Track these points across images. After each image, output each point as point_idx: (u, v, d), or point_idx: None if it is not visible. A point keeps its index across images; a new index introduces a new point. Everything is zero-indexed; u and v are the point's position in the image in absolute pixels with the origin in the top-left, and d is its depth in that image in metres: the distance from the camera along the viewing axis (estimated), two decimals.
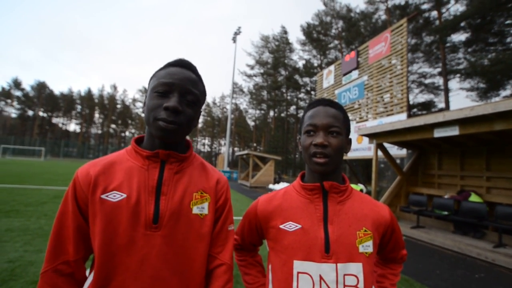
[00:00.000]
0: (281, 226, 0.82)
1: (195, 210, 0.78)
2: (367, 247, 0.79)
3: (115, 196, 0.71)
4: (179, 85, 0.74)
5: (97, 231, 0.69)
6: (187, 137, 0.87)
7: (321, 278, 0.74)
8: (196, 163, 0.86)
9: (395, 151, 9.29)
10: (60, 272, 0.70)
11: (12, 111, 57.78)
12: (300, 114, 43.75)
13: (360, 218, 0.81)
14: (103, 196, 0.71)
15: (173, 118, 0.72)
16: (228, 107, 35.97)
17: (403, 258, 0.96)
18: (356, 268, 0.76)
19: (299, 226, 0.80)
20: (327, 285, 0.74)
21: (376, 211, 0.85)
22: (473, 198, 5.65)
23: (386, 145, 7.21)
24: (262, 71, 44.64)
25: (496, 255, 4.30)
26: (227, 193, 0.89)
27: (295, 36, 50.63)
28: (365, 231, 0.80)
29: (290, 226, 0.81)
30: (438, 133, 5.07)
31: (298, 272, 0.76)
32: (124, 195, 0.72)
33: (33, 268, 2.86)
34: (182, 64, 0.80)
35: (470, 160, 6.43)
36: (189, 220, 0.76)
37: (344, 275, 0.75)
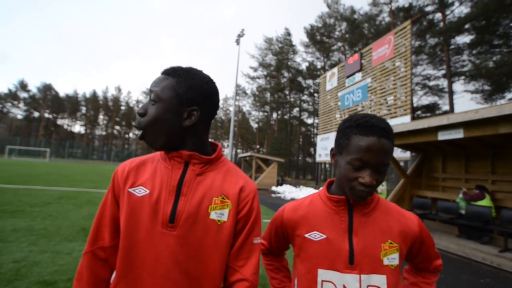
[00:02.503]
0: (306, 235, 0.84)
1: (213, 215, 0.75)
2: (392, 259, 0.79)
3: (140, 191, 0.76)
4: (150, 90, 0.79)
5: (122, 221, 0.75)
6: (212, 140, 0.89)
7: (344, 287, 0.76)
8: (224, 167, 0.83)
9: (399, 153, 9.24)
10: (97, 255, 0.78)
11: (18, 113, 58.55)
12: (303, 116, 43.73)
13: (386, 230, 0.81)
14: (130, 190, 0.76)
15: (136, 124, 0.77)
16: (232, 109, 36.05)
17: (438, 269, 0.92)
18: (380, 279, 0.76)
19: (324, 236, 0.81)
20: None
21: (403, 223, 0.84)
22: (486, 202, 5.52)
23: None
24: (265, 73, 44.71)
25: (502, 260, 4.25)
26: (253, 203, 0.81)
27: (299, 38, 50.81)
28: (391, 243, 0.80)
29: (315, 235, 0.82)
30: (442, 136, 5.04)
31: (323, 280, 0.78)
32: (148, 191, 0.75)
33: (38, 268, 2.89)
34: (164, 72, 0.81)
35: (475, 163, 6.37)
36: (206, 225, 0.74)
37: (368, 286, 0.76)
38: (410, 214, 0.87)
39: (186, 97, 0.76)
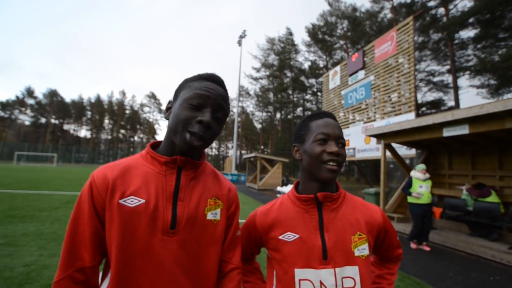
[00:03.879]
0: (280, 237, 0.86)
1: (209, 216, 0.80)
2: (362, 250, 0.84)
3: (132, 202, 0.71)
4: (214, 101, 0.76)
5: (114, 236, 0.69)
6: None
7: (321, 283, 0.79)
8: (208, 170, 0.88)
9: (404, 151, 9.15)
10: (75, 279, 0.68)
11: (26, 119, 59.53)
12: None
13: (354, 223, 0.86)
14: (121, 201, 0.70)
15: (204, 133, 0.74)
16: (235, 110, 36.13)
17: (399, 257, 1.00)
18: (353, 270, 0.81)
19: (297, 236, 0.84)
20: None
21: (368, 214, 0.89)
22: (493, 198, 5.46)
23: (394, 145, 7.13)
24: (268, 73, 44.69)
25: (511, 257, 4.18)
26: (237, 201, 0.92)
27: (301, 37, 50.70)
28: (360, 235, 0.85)
29: (288, 236, 0.85)
30: (447, 132, 4.99)
31: (300, 279, 0.80)
32: (143, 201, 0.72)
33: (48, 272, 2.94)
34: (217, 80, 0.82)
35: (482, 159, 6.28)
36: (204, 225, 0.78)
37: (342, 278, 0.80)
38: (374, 206, 0.94)
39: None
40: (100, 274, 0.76)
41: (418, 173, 5.06)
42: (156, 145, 0.85)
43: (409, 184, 5.07)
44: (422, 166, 5.11)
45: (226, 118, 0.84)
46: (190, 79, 0.82)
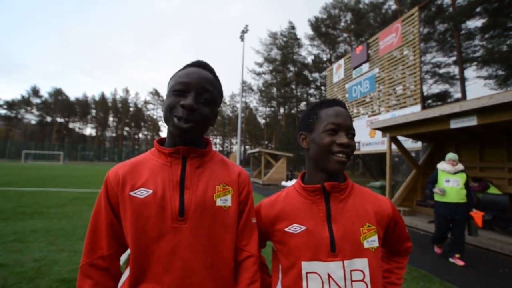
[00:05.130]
0: (286, 229, 0.83)
1: (219, 202, 0.80)
2: (372, 242, 0.81)
3: (142, 193, 0.76)
4: (196, 84, 0.78)
5: (129, 226, 0.74)
6: (205, 135, 0.91)
7: (329, 276, 0.76)
8: (217, 158, 0.89)
9: (409, 144, 9.05)
10: (96, 266, 0.76)
11: (32, 118, 60.23)
12: None
13: (363, 214, 0.83)
14: (131, 193, 0.76)
15: (189, 116, 0.75)
16: (238, 105, 36.06)
17: (408, 250, 0.97)
18: (362, 263, 0.78)
19: (304, 227, 0.81)
20: (335, 282, 0.76)
21: (377, 205, 0.86)
22: (492, 190, 5.43)
23: (400, 138, 7.04)
24: (271, 68, 44.35)
25: None
26: (249, 186, 0.91)
27: (303, 31, 50.15)
28: (369, 226, 0.82)
29: (295, 228, 0.82)
30: (454, 124, 4.91)
31: (307, 272, 0.78)
32: (151, 191, 0.76)
33: (57, 267, 2.99)
34: (199, 64, 0.84)
35: (490, 151, 6.18)
36: (214, 212, 0.79)
37: (351, 271, 0.77)
38: (383, 197, 0.91)
39: (220, 99, 0.88)
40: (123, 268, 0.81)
41: (445, 165, 4.18)
42: (163, 141, 0.89)
43: (434, 177, 4.24)
44: (452, 155, 4.16)
45: (216, 101, 0.84)
46: (178, 70, 0.85)
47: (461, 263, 3.81)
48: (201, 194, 0.79)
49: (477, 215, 4.36)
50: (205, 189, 0.80)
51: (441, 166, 4.24)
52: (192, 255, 0.74)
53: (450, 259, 3.96)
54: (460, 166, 4.11)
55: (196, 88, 0.78)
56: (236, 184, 0.86)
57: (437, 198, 4.12)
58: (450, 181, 4.01)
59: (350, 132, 0.81)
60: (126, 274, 0.76)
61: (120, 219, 0.78)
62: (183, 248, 0.74)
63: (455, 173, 4.05)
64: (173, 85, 0.79)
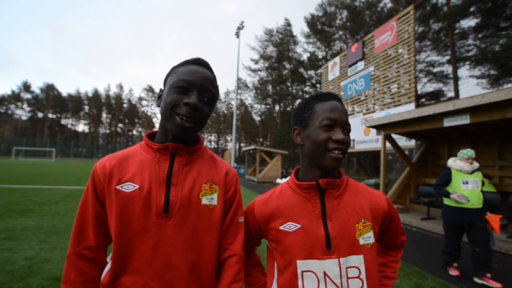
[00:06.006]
0: (281, 228, 0.82)
1: (204, 200, 0.81)
2: (367, 238, 0.80)
3: (128, 187, 0.76)
4: (199, 83, 0.78)
5: (113, 219, 0.75)
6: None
7: (325, 274, 0.75)
8: (206, 156, 0.89)
9: (403, 142, 9.15)
10: (83, 256, 0.77)
11: (23, 114, 59.06)
12: None
13: (358, 211, 0.82)
14: (118, 187, 0.76)
15: (192, 115, 0.76)
16: (233, 102, 35.94)
17: (403, 244, 0.97)
18: (357, 260, 0.77)
19: (299, 225, 0.80)
20: (331, 280, 0.75)
21: (373, 201, 0.86)
22: (487, 188, 5.48)
23: (394, 136, 7.11)
24: (266, 65, 44.24)
25: (510, 246, 4.23)
26: (237, 185, 0.91)
27: (299, 28, 50.01)
28: (364, 222, 0.81)
29: (290, 226, 0.81)
30: (448, 122, 4.96)
31: (302, 271, 0.77)
32: (137, 186, 0.76)
33: (49, 265, 2.94)
34: (201, 63, 0.83)
35: (482, 149, 6.28)
36: (199, 210, 0.79)
37: (347, 268, 0.76)
38: (378, 192, 0.90)
39: (217, 99, 0.88)
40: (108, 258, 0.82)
41: (461, 162, 3.39)
42: (153, 135, 0.88)
43: (446, 178, 3.39)
44: (468, 152, 3.41)
45: (215, 100, 0.85)
46: (176, 65, 0.84)
47: (497, 284, 2.99)
48: (187, 191, 0.79)
49: (494, 219, 3.24)
50: (191, 187, 0.80)
51: (455, 164, 3.43)
52: (174, 252, 0.75)
53: (478, 280, 3.13)
54: (476, 164, 3.40)
55: (199, 87, 0.78)
56: (223, 183, 0.86)
57: (449, 202, 3.33)
58: (469, 183, 3.26)
59: (346, 128, 0.80)
60: (108, 265, 0.77)
61: (106, 211, 0.78)
62: (166, 244, 0.74)
63: (472, 172, 3.35)
64: (175, 82, 0.78)
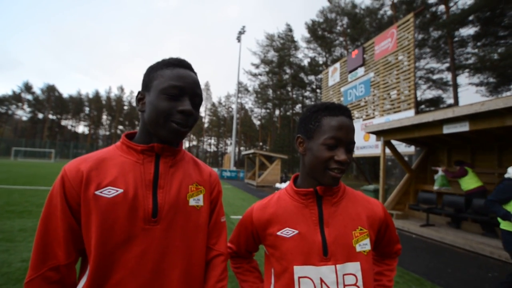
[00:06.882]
0: (278, 233, 0.82)
1: (192, 202, 0.79)
2: (364, 245, 0.80)
3: (110, 192, 0.69)
4: (190, 89, 0.76)
5: (93, 229, 0.66)
6: None
7: (321, 280, 0.75)
8: (187, 157, 0.88)
9: (403, 148, 9.16)
10: (48, 279, 0.65)
11: (23, 114, 59.09)
12: None
13: (355, 218, 0.83)
14: (97, 192, 0.68)
15: (186, 122, 0.75)
16: (234, 106, 36.02)
17: (398, 253, 0.98)
18: (354, 267, 0.77)
19: (296, 231, 0.80)
20: (328, 286, 0.75)
21: (369, 208, 0.86)
22: (470, 177, 5.55)
23: (393, 142, 7.12)
24: (267, 69, 44.53)
25: None
26: (219, 186, 0.92)
27: (300, 33, 50.42)
28: (361, 229, 0.82)
29: (287, 232, 0.81)
30: (447, 129, 4.98)
31: (299, 277, 0.77)
32: (121, 190, 0.70)
33: None
34: (187, 66, 0.80)
35: (481, 156, 6.29)
36: (187, 212, 0.78)
37: (343, 275, 0.76)
38: (374, 200, 0.91)
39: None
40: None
41: None
42: (131, 136, 0.83)
43: (507, 193, 2.63)
44: None
45: (202, 103, 0.85)
46: (157, 66, 0.78)
47: None
48: (175, 193, 0.76)
49: None
50: (178, 189, 0.78)
51: None
52: (163, 257, 0.71)
53: None
54: None
55: (190, 93, 0.76)
56: (208, 183, 0.87)
57: (507, 227, 2.62)
58: None
59: (350, 147, 0.79)
60: (82, 282, 0.69)
61: (80, 222, 0.68)
62: (154, 250, 0.70)
63: None
64: (166, 88, 0.73)
